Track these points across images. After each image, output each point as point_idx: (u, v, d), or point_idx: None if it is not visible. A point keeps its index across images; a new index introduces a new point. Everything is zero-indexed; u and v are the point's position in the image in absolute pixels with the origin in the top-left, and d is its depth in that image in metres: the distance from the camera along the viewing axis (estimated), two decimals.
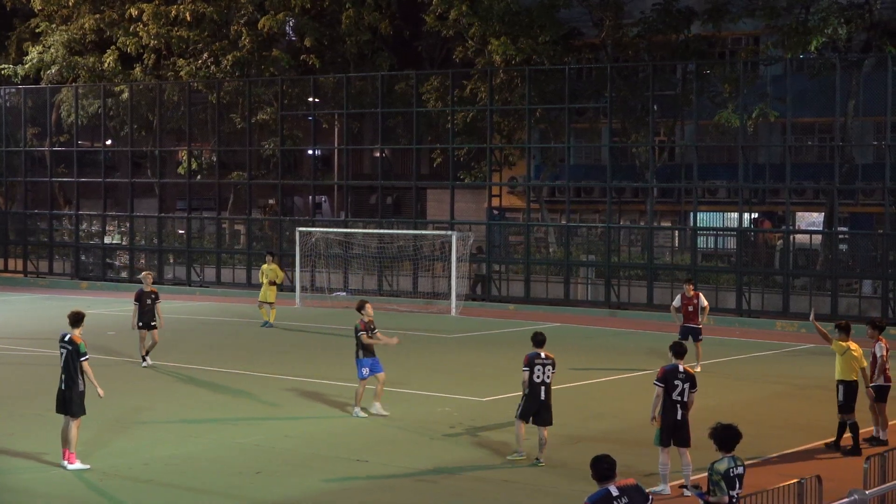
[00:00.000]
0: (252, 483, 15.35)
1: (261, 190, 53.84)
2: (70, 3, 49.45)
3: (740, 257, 37.51)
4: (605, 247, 39.19)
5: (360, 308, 19.85)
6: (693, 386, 14.91)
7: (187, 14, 46.76)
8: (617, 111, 41.03)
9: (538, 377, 16.38)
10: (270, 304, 32.60)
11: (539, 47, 42.62)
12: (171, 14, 47.14)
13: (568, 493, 14.74)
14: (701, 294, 25.78)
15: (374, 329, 19.75)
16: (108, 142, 50.13)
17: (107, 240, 47.62)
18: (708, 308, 26.10)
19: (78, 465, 15.86)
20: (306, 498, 14.77)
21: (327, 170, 57.04)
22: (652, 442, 15.06)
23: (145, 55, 48.50)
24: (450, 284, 37.74)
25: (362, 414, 19.65)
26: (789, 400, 22.20)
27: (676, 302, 25.74)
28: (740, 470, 10.99)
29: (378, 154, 49.47)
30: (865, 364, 17.84)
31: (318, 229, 41.95)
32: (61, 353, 16.12)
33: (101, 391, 16.16)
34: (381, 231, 41.97)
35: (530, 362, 16.43)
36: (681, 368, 14.90)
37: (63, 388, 16.01)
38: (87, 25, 48.77)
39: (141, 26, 47.27)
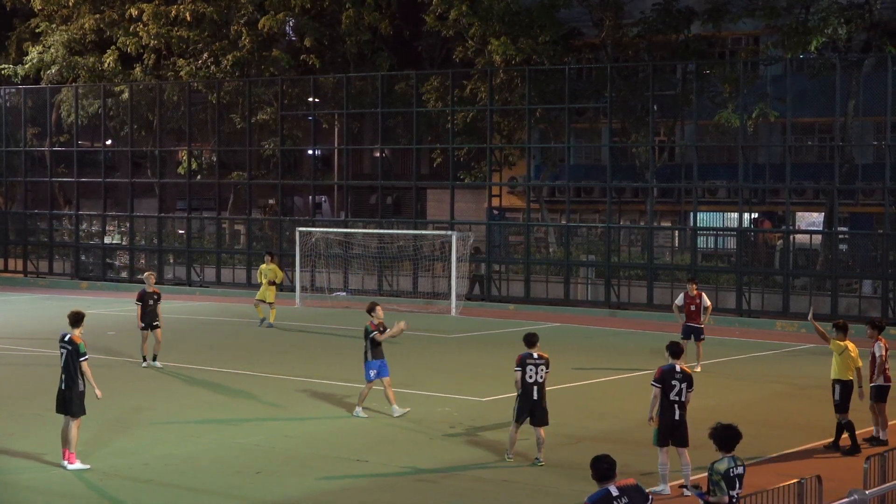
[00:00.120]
0: (252, 483, 15.36)
1: (261, 190, 53.85)
2: (70, 3, 49.44)
3: (740, 257, 37.51)
4: (605, 247, 39.19)
5: (371, 310, 19.83)
6: (690, 386, 14.90)
7: (187, 14, 46.76)
8: (617, 111, 41.03)
9: (530, 377, 16.39)
10: (270, 304, 32.60)
11: (539, 47, 42.63)
12: (171, 14, 47.14)
13: (568, 493, 14.74)
14: (704, 294, 25.75)
15: (385, 330, 19.72)
16: (108, 142, 50.12)
17: (107, 240, 47.61)
18: (711, 308, 26.06)
19: (78, 465, 15.86)
20: (306, 498, 14.78)
21: (327, 170, 57.04)
22: (651, 442, 15.08)
23: (145, 55, 48.51)
24: (450, 284, 37.75)
25: (363, 414, 19.67)
26: (789, 400, 22.20)
27: (679, 300, 25.73)
28: (740, 470, 10.99)
29: (378, 154, 49.47)
30: (861, 364, 17.85)
31: (318, 229, 41.95)
32: (61, 353, 16.13)
33: (98, 392, 16.15)
34: (381, 231, 41.97)
35: (522, 362, 16.44)
36: (677, 368, 14.90)
37: (63, 388, 16.02)
38: (87, 25, 48.78)
39: (141, 26, 47.27)
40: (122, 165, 54.35)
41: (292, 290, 39.73)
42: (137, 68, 49.17)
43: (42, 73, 50.35)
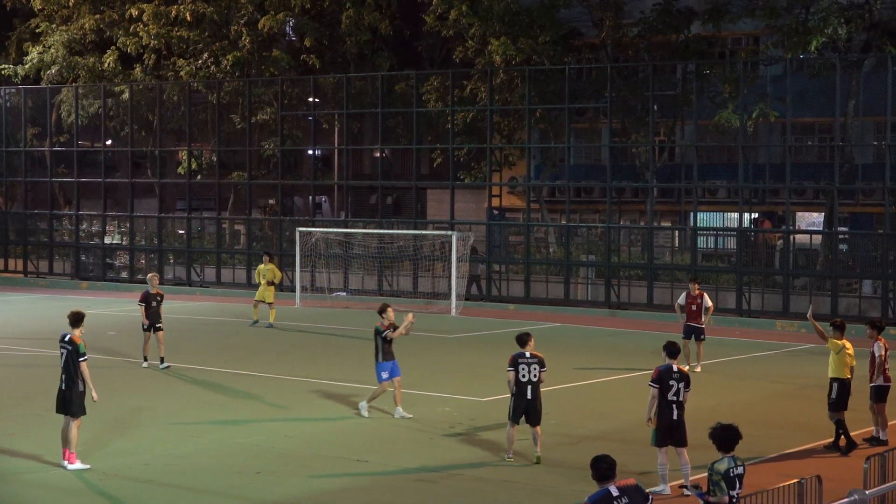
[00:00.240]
0: (252, 483, 15.35)
1: (261, 190, 53.85)
2: (70, 3, 49.44)
3: (740, 257, 37.50)
4: (605, 247, 39.18)
5: (382, 311, 19.79)
6: (688, 385, 14.92)
7: (187, 14, 46.77)
8: (617, 111, 41.03)
9: (524, 376, 16.45)
10: (269, 304, 32.58)
11: (539, 47, 42.63)
12: (171, 14, 47.15)
13: (568, 493, 14.74)
14: (706, 294, 25.73)
15: (395, 329, 19.69)
16: (108, 142, 50.12)
17: (107, 240, 47.61)
18: (712, 309, 25.99)
19: (78, 465, 15.86)
20: (306, 498, 14.78)
21: (327, 170, 57.04)
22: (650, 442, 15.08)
23: (145, 55, 48.51)
24: (450, 284, 37.74)
25: (365, 413, 19.67)
26: (789, 400, 22.20)
27: (681, 300, 25.72)
28: (740, 470, 10.99)
29: (378, 154, 49.48)
30: (855, 363, 17.90)
31: (318, 229, 41.95)
32: (61, 354, 16.12)
33: (94, 395, 16.10)
34: (381, 231, 41.97)
35: (514, 362, 16.53)
36: (675, 368, 14.90)
37: (63, 388, 16.02)
38: (87, 25, 48.79)
39: (141, 26, 47.27)
40: (122, 165, 54.36)
41: (292, 290, 39.73)
42: (137, 68, 49.18)
43: (42, 73, 50.36)
